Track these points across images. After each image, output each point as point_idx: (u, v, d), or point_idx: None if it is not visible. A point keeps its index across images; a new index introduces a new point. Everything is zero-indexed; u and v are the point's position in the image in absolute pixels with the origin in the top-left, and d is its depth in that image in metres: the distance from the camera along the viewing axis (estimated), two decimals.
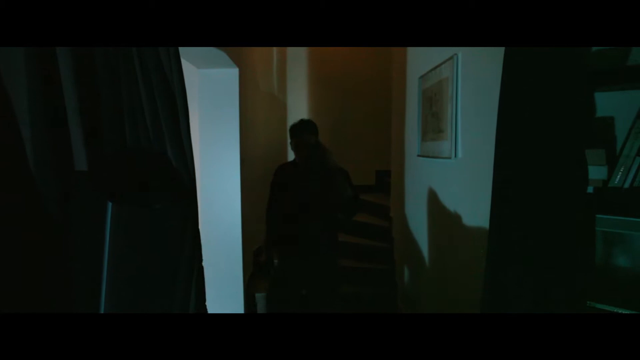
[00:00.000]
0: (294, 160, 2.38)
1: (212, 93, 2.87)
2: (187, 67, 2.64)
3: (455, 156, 2.03)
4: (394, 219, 3.70)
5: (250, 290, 3.22)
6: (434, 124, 2.39)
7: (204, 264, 1.24)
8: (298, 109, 4.80)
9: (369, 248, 3.81)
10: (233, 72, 2.86)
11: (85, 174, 0.81)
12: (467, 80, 1.94)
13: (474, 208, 1.86)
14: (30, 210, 0.75)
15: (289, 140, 2.34)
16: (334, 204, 2.25)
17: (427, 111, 2.54)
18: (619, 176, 1.24)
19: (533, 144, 1.13)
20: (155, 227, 0.89)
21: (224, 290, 2.95)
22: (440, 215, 2.31)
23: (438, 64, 2.28)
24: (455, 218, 2.04)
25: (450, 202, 2.17)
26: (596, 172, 1.25)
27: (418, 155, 2.73)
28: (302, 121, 2.29)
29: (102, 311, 0.84)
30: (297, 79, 4.78)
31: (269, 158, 4.14)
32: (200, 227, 1.23)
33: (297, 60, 4.77)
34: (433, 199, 2.43)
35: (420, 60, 2.73)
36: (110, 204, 0.80)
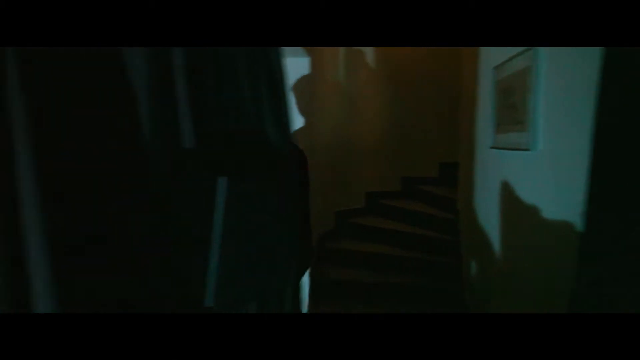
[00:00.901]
0: None
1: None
2: None
3: (535, 148, 1.96)
4: (461, 211, 3.63)
5: (316, 275, 3.30)
6: (510, 115, 2.31)
7: None
8: (363, 99, 4.78)
9: (432, 240, 3.77)
10: (304, 62, 2.92)
11: (193, 151, 0.88)
12: (548, 70, 1.86)
13: (555, 201, 1.79)
14: (141, 188, 0.82)
15: None
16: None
17: (502, 102, 2.46)
18: None
19: (634, 138, 1.08)
20: (259, 207, 0.95)
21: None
22: (516, 209, 2.24)
23: (516, 54, 2.20)
24: (534, 212, 1.97)
25: (527, 195, 2.10)
26: None
27: (491, 147, 2.65)
28: None
29: (208, 301, 0.87)
30: (363, 69, 4.76)
31: (334, 146, 4.21)
32: None
33: (363, 50, 4.74)
34: (508, 192, 2.36)
35: (495, 50, 2.64)
36: (220, 182, 0.86)
